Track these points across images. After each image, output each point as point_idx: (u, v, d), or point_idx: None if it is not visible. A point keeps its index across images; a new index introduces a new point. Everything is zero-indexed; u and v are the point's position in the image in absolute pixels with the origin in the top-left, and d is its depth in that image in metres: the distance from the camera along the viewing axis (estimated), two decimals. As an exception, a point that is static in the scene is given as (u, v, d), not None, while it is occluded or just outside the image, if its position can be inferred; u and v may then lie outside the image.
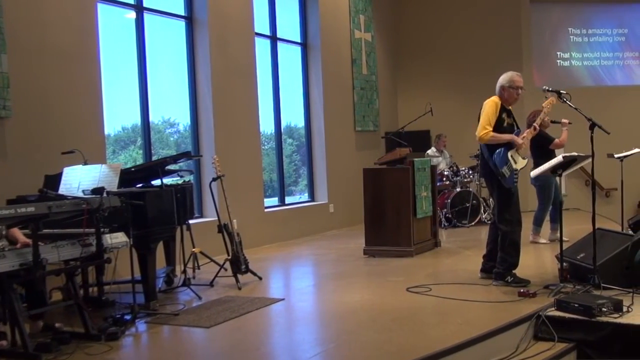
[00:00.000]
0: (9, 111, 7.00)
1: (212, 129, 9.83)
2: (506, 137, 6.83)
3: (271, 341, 5.58)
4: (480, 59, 14.60)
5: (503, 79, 6.96)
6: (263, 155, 11.24)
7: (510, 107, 7.06)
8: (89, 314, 5.50)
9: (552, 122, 9.10)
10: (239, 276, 7.38)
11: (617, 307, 5.52)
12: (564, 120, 9.07)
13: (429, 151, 12.63)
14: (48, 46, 7.54)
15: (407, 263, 8.56)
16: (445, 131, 13.06)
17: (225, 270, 7.53)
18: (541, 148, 8.79)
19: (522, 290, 6.30)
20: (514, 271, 6.92)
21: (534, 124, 7.10)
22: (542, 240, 9.49)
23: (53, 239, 5.37)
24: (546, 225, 9.64)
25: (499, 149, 6.82)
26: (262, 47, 11.35)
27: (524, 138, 6.91)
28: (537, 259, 8.57)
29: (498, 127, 6.86)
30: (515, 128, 7.02)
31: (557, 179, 8.29)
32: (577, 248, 7.06)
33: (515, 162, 6.82)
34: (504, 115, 6.93)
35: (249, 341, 5.41)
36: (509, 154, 6.80)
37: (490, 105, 6.90)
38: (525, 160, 6.96)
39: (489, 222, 12.08)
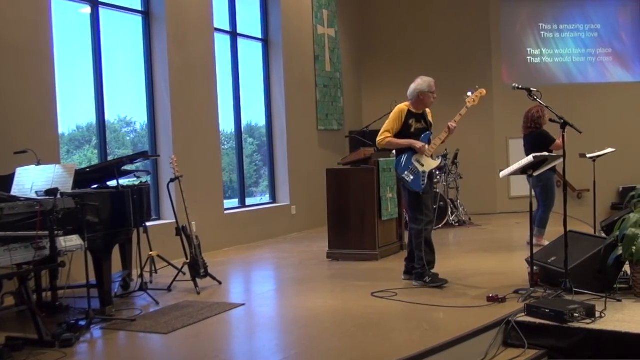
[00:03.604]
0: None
1: (170, 128, 9.65)
2: (404, 142, 7.11)
3: (231, 348, 5.53)
4: (448, 55, 14.43)
5: (423, 84, 7.12)
6: (223, 155, 11.08)
7: (422, 111, 7.23)
8: (42, 319, 5.38)
9: (551, 120, 8.78)
10: (198, 280, 7.28)
11: (590, 313, 5.47)
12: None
13: (394, 151, 12.50)
14: (-1, 41, 7.31)
15: (371, 267, 8.48)
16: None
17: (184, 274, 7.47)
18: (542, 148, 8.57)
19: (491, 295, 6.21)
20: (432, 270, 7.12)
21: (449, 124, 7.06)
22: (546, 242, 8.69)
23: (5, 242, 5.23)
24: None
25: (401, 156, 7.12)
26: (221, 43, 11.18)
27: (437, 139, 7.10)
28: (507, 262, 8.53)
29: (405, 133, 7.10)
30: (427, 132, 7.19)
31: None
32: (548, 251, 7.01)
33: (423, 165, 7.06)
34: (412, 121, 7.15)
35: (207, 348, 5.33)
36: (413, 159, 7.08)
37: (394, 112, 7.17)
38: (437, 161, 7.19)
39: (456, 224, 12.16)
